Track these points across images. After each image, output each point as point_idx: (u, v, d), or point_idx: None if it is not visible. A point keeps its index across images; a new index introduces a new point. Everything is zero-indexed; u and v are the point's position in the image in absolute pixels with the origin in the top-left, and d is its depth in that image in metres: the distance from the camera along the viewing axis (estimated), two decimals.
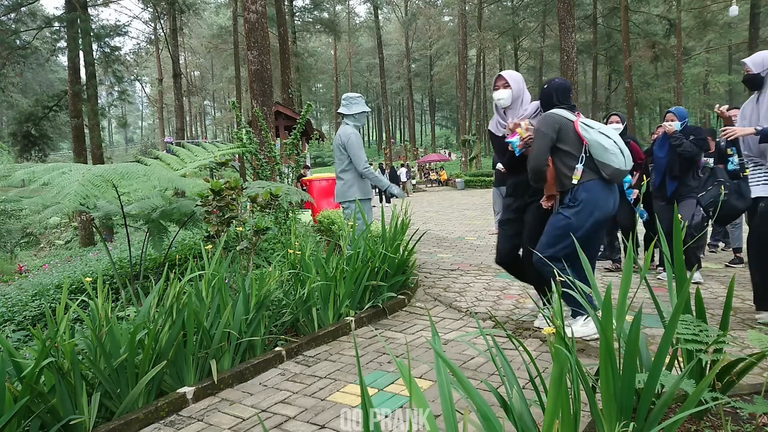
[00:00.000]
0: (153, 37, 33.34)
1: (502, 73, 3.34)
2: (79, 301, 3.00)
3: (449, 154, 40.39)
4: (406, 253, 4.26)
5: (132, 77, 25.88)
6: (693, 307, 2.01)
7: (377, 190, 20.29)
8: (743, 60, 3.39)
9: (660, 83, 34.09)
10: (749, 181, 3.43)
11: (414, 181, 28.21)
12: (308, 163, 18.32)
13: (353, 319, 3.58)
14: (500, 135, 3.39)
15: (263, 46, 9.09)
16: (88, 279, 2.54)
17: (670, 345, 1.65)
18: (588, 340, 3.06)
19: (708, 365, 1.85)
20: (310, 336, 3.28)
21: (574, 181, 3.00)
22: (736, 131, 3.20)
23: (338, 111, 4.73)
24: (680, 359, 2.07)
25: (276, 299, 3.34)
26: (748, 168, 3.45)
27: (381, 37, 46.05)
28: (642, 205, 4.98)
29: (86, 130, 15.14)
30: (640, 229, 6.20)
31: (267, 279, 3.05)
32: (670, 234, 2.47)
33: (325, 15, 35.54)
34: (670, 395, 1.58)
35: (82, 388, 2.19)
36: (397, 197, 4.62)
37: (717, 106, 3.73)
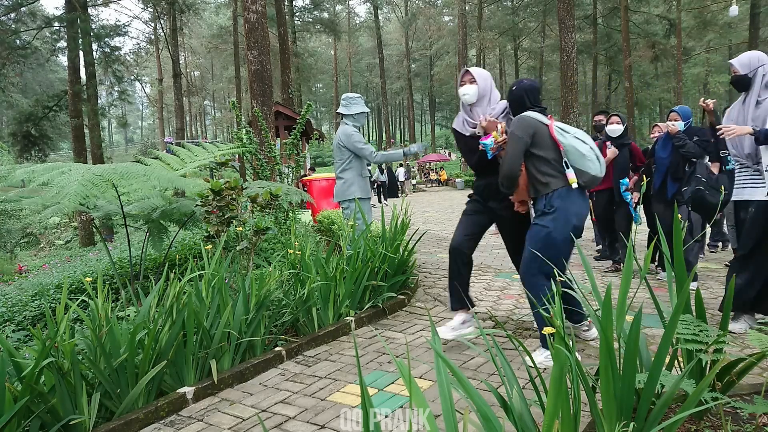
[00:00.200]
0: (153, 37, 33.30)
1: (469, 68, 3.15)
2: (79, 301, 3.00)
3: (449, 154, 40.34)
4: (406, 253, 4.26)
5: (132, 77, 25.85)
6: (693, 307, 2.01)
7: (376, 191, 20.34)
8: (730, 61, 3.35)
9: (660, 83, 34.05)
10: (735, 183, 3.42)
11: (414, 181, 28.23)
12: (310, 165, 18.32)
13: (353, 319, 3.58)
14: (467, 134, 3.16)
15: (263, 46, 9.09)
16: (88, 279, 2.54)
17: (670, 345, 1.65)
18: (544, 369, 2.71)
19: (708, 365, 1.85)
20: (310, 336, 3.28)
21: (573, 185, 2.82)
22: (735, 130, 3.19)
23: (337, 111, 4.74)
24: (680, 359, 2.07)
25: (276, 299, 3.34)
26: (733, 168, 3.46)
27: (381, 37, 46.05)
28: (641, 207, 4.97)
29: (86, 130, 15.15)
30: (642, 229, 6.19)
31: (267, 279, 3.05)
32: (670, 235, 2.47)
33: (325, 15, 35.53)
34: (670, 395, 1.58)
35: (82, 388, 2.19)
36: (419, 153, 4.70)
37: (702, 99, 3.72)
